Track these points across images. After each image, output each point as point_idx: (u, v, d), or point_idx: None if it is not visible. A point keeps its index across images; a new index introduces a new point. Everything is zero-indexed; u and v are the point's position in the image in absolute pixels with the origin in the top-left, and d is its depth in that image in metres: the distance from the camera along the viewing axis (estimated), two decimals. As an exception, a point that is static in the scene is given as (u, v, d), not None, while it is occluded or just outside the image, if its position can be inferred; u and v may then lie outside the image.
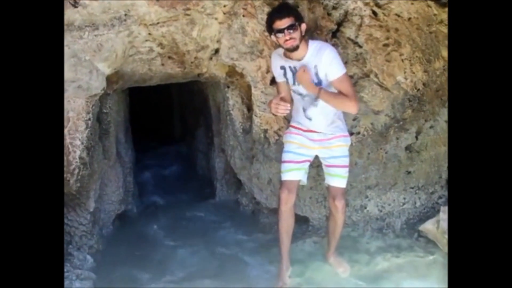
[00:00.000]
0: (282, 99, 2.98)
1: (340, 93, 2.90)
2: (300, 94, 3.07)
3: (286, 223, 3.10)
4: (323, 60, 2.87)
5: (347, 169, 3.14)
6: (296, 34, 2.84)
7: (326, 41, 3.36)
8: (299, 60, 2.94)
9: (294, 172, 3.10)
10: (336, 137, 3.09)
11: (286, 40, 2.85)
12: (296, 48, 2.88)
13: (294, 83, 3.05)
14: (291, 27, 2.82)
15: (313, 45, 2.96)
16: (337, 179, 3.11)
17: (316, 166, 3.48)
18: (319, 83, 2.93)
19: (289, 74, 3.05)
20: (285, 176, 3.10)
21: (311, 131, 3.09)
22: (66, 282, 3.09)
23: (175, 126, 7.89)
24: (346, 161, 3.13)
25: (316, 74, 2.92)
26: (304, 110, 3.07)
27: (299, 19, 2.89)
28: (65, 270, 3.21)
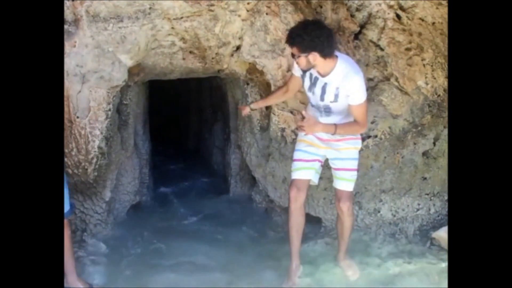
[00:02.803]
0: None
1: (353, 121, 2.95)
2: (313, 105, 3.08)
3: (296, 222, 3.10)
4: (349, 87, 2.84)
5: (354, 173, 3.12)
6: (301, 62, 2.83)
7: (348, 42, 3.36)
8: (324, 75, 2.91)
9: (304, 171, 3.10)
10: (345, 139, 3.07)
11: (296, 61, 2.90)
12: (305, 72, 2.93)
13: (309, 90, 3.04)
14: (293, 55, 2.85)
15: (342, 66, 2.85)
16: (342, 182, 3.10)
17: (330, 167, 3.47)
18: (335, 99, 2.92)
19: (307, 79, 3.03)
20: (295, 175, 3.11)
21: None
22: (80, 268, 3.14)
23: (192, 121, 7.93)
24: (353, 164, 3.11)
25: (336, 94, 2.90)
26: (317, 117, 3.07)
27: (304, 50, 2.77)
28: (79, 256, 3.28)
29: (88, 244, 3.53)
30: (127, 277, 3.27)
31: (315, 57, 2.78)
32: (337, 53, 2.90)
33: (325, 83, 2.91)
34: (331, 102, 2.94)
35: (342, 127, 2.92)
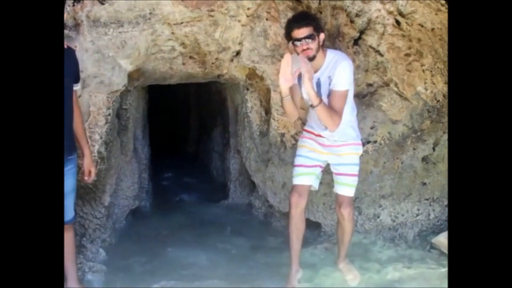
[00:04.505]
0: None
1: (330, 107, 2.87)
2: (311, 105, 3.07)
3: (296, 227, 3.10)
4: (337, 71, 2.84)
5: (355, 178, 3.12)
6: (314, 45, 2.83)
7: (347, 48, 3.37)
8: (316, 70, 2.92)
9: (305, 177, 3.10)
10: (347, 144, 3.07)
11: (303, 50, 2.84)
12: (312, 59, 2.86)
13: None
14: (309, 37, 2.80)
15: (331, 55, 2.92)
16: (344, 187, 3.10)
17: (330, 172, 3.47)
18: (329, 95, 2.92)
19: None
20: (296, 180, 3.11)
21: (321, 135, 3.09)
22: (79, 274, 3.13)
23: (192, 126, 7.94)
24: (355, 169, 3.11)
25: (330, 84, 2.89)
26: (318, 122, 3.06)
27: (318, 29, 2.86)
28: (78, 261, 3.26)
29: (87, 249, 3.51)
30: (125, 284, 3.25)
31: (322, 39, 2.88)
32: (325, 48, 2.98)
33: (318, 78, 2.92)
34: (328, 97, 2.92)
35: (325, 106, 2.81)
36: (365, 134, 3.51)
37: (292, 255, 3.16)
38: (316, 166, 3.13)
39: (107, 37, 3.21)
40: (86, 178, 2.96)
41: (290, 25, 2.90)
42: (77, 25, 3.17)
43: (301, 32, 2.81)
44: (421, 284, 3.17)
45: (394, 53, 3.40)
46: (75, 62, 2.77)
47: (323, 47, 2.92)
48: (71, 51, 2.78)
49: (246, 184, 5.00)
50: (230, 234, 4.23)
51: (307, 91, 2.79)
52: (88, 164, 2.94)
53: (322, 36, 2.88)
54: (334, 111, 2.85)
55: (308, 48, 2.82)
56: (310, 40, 2.81)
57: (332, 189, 3.27)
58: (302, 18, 2.91)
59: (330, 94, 2.89)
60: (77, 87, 2.84)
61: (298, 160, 3.14)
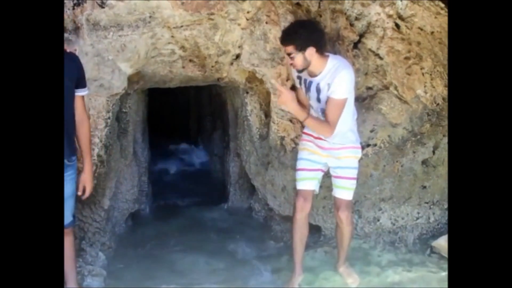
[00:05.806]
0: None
1: (324, 118, 2.92)
2: (311, 107, 3.08)
3: (300, 231, 3.11)
4: (336, 79, 2.83)
5: (353, 182, 3.12)
6: (297, 60, 2.85)
7: (347, 51, 3.37)
8: (315, 76, 2.93)
9: (309, 181, 3.11)
10: (345, 147, 3.08)
11: (291, 63, 2.92)
12: (301, 71, 2.94)
13: (305, 95, 3.06)
14: (289, 55, 2.86)
15: (333, 62, 2.90)
16: (342, 190, 3.10)
17: (330, 175, 3.47)
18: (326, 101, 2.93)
19: (302, 86, 3.07)
20: (300, 185, 3.11)
21: (320, 138, 3.09)
22: (78, 277, 3.12)
23: (191, 129, 7.94)
24: (353, 173, 3.11)
25: (328, 91, 2.89)
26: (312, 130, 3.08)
27: (301, 46, 2.81)
28: (77, 265, 3.26)
29: (87, 253, 3.50)
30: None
31: (311, 53, 2.84)
32: (328, 54, 2.98)
33: (318, 83, 2.92)
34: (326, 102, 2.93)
35: (312, 119, 2.91)
36: (365, 137, 3.51)
37: (296, 259, 3.17)
38: (318, 170, 3.14)
39: (107, 41, 3.21)
40: (79, 193, 2.76)
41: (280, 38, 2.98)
42: (77, 29, 3.17)
43: (285, 49, 2.90)
44: (421, 287, 3.17)
45: (394, 56, 3.41)
46: (78, 67, 2.68)
47: (321, 54, 2.89)
48: (74, 57, 2.73)
49: (246, 187, 4.99)
50: (229, 238, 4.22)
51: (292, 112, 2.92)
52: (84, 179, 2.74)
53: (309, 51, 2.82)
54: (326, 120, 2.89)
55: (291, 64, 2.90)
56: (293, 55, 2.85)
57: (331, 193, 3.27)
58: (285, 35, 2.92)
59: (327, 100, 2.90)
60: (83, 93, 2.74)
61: (300, 164, 3.14)
